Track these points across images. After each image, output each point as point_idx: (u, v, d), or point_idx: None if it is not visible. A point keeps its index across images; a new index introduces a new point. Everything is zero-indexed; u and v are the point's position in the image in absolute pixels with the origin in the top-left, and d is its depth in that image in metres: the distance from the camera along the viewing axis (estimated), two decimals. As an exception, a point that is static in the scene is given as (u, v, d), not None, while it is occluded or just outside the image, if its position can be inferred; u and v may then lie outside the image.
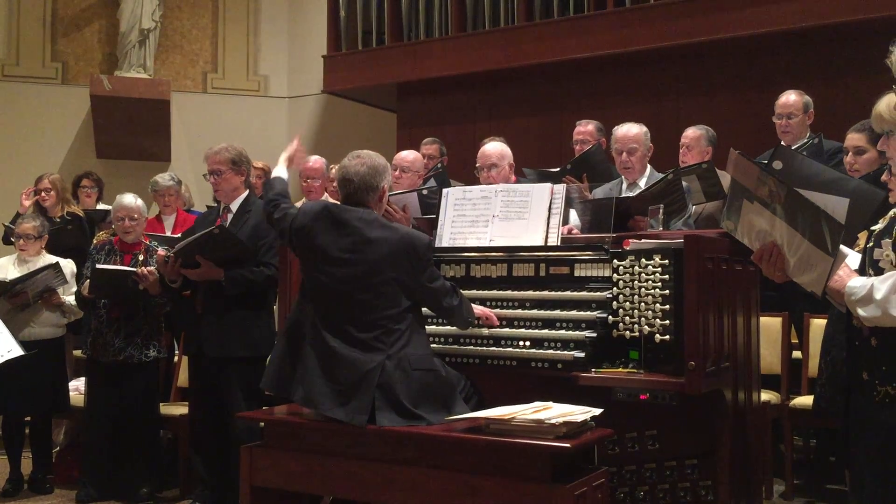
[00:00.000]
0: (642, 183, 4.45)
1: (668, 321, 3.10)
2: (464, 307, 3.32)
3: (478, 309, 3.42)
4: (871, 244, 2.43)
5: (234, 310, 4.35)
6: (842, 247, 2.35)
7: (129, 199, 4.93)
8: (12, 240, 5.38)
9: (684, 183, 4.19)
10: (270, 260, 4.36)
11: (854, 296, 2.33)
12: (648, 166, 4.56)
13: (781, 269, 2.45)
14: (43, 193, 6.16)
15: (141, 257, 4.79)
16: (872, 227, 2.48)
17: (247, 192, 4.59)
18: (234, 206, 4.52)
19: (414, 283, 3.19)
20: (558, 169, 5.05)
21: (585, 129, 5.65)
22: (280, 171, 3.79)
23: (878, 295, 2.28)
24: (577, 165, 5.00)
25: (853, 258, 2.47)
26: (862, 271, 2.43)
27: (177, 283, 4.47)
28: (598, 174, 4.84)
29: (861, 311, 2.32)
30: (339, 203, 3.37)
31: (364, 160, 3.31)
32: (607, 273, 3.31)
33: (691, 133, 5.30)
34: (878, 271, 2.36)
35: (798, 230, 2.36)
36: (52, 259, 5.15)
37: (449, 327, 3.47)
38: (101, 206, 6.76)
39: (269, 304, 4.55)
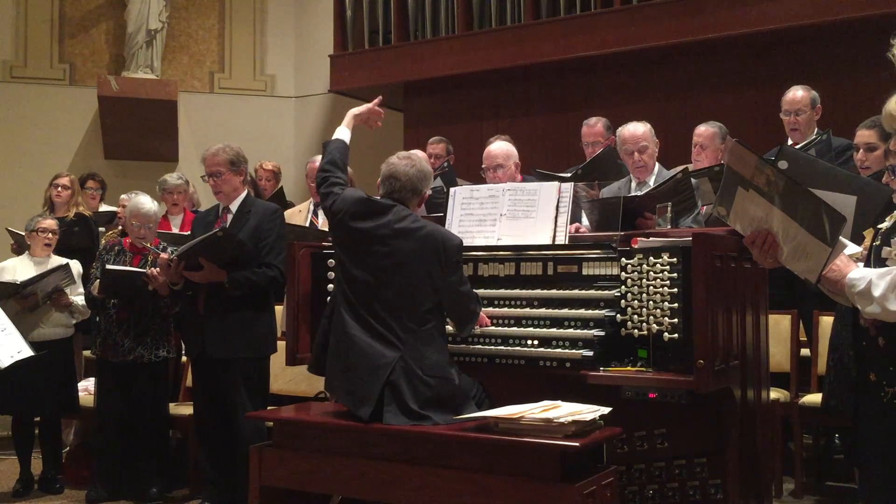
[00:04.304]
0: (651, 181, 4.43)
1: (676, 319, 3.08)
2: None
3: None
4: (877, 242, 2.42)
5: (236, 310, 4.34)
6: (842, 239, 2.35)
7: (148, 206, 4.85)
8: (28, 240, 5.36)
9: (693, 181, 4.17)
10: (273, 261, 4.35)
11: (854, 288, 2.33)
12: (657, 164, 4.54)
13: (773, 255, 2.46)
14: (60, 189, 6.19)
15: (150, 258, 4.80)
16: (879, 225, 2.47)
17: (246, 192, 4.58)
18: (234, 207, 4.50)
19: (442, 281, 3.17)
20: (570, 174, 4.99)
21: (594, 129, 5.57)
22: (343, 132, 3.67)
23: (876, 292, 2.27)
24: (588, 170, 4.95)
25: (851, 249, 2.47)
26: None
27: (178, 285, 4.46)
28: (611, 178, 4.77)
29: (860, 305, 2.33)
30: (376, 197, 3.37)
31: (415, 163, 3.33)
32: (615, 271, 3.30)
33: (704, 131, 4.99)
34: None
35: (795, 220, 2.36)
36: (61, 260, 5.16)
37: (456, 326, 3.47)
38: (104, 208, 6.79)
39: (271, 304, 4.54)
